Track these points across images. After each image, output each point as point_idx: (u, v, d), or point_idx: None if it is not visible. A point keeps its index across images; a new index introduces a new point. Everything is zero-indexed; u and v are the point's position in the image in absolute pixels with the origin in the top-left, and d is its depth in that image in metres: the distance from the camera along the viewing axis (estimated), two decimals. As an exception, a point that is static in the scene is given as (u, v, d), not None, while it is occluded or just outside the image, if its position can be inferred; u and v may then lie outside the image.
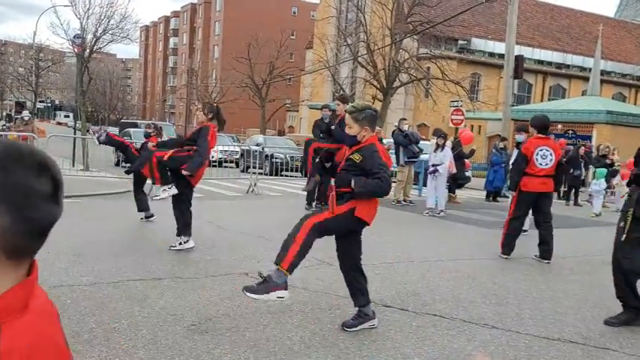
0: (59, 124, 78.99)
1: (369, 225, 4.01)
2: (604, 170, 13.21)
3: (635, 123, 26.73)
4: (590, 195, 13.99)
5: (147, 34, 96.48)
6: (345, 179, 3.86)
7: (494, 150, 15.44)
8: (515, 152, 8.34)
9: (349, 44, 31.81)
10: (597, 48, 32.11)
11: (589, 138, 25.18)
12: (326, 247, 6.67)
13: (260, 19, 60.67)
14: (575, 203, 14.85)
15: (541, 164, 6.67)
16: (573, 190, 15.03)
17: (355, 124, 3.89)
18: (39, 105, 79.15)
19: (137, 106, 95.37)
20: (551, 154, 6.72)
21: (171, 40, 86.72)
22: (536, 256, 6.90)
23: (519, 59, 16.93)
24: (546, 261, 6.79)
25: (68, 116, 70.50)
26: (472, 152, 13.90)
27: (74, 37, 17.86)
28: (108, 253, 5.75)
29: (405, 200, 12.35)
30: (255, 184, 13.48)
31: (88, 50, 17.71)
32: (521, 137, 8.60)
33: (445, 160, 11.36)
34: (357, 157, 3.84)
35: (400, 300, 4.74)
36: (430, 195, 11.33)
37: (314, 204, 10.75)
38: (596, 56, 32.00)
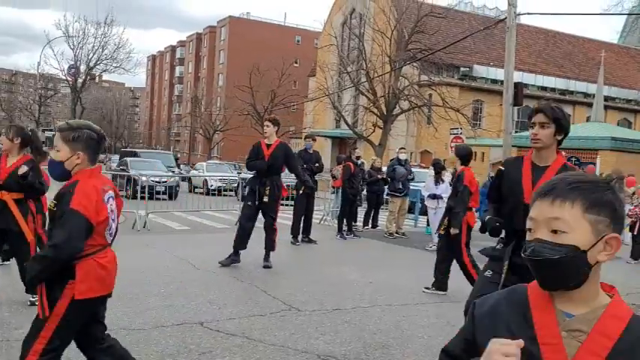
0: (65, 152, 79.64)
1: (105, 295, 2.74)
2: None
3: (640, 149, 26.27)
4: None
5: (153, 63, 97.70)
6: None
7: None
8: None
9: (348, 72, 31.79)
10: (600, 74, 31.89)
11: (593, 165, 24.74)
12: (296, 289, 6.27)
13: (264, 47, 61.10)
14: None
15: None
16: None
17: (65, 146, 2.62)
18: (46, 134, 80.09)
19: (143, 134, 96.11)
20: None
21: (177, 69, 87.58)
22: None
23: (519, 86, 16.53)
24: None
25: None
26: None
27: (68, 67, 17.84)
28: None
29: (397, 232, 11.91)
30: (243, 216, 13.05)
31: (80, 80, 17.65)
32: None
33: (445, 193, 11.00)
34: (51, 205, 2.59)
35: (365, 355, 4.29)
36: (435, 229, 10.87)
37: (299, 237, 10.34)
38: (599, 82, 31.75)
